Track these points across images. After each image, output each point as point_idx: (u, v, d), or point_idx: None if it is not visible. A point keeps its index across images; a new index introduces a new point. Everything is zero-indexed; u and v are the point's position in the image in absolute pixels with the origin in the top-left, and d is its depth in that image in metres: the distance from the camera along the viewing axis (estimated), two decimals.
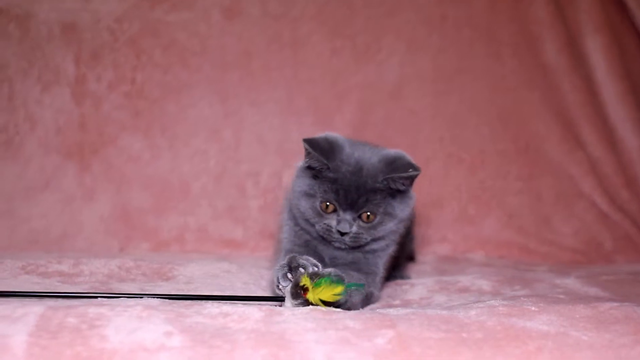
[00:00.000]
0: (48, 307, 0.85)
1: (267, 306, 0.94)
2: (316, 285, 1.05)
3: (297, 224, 1.35)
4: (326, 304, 1.03)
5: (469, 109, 2.12)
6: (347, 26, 2.10)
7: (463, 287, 1.32)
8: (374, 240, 1.29)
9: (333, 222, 1.26)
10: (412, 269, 1.75)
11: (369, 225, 1.26)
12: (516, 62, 2.13)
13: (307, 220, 1.30)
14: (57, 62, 1.96)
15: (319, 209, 1.26)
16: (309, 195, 1.27)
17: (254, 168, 2.01)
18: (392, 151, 1.30)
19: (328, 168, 1.24)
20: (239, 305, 0.94)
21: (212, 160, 2.00)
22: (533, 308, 0.95)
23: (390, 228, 1.28)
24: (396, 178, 1.23)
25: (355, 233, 1.25)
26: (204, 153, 2.00)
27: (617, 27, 2.17)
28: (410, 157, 1.29)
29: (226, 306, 0.92)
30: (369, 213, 1.25)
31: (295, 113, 2.04)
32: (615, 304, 0.97)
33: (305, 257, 1.17)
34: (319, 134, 1.32)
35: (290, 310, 0.94)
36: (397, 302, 1.26)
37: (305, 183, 1.28)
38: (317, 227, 1.28)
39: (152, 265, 1.41)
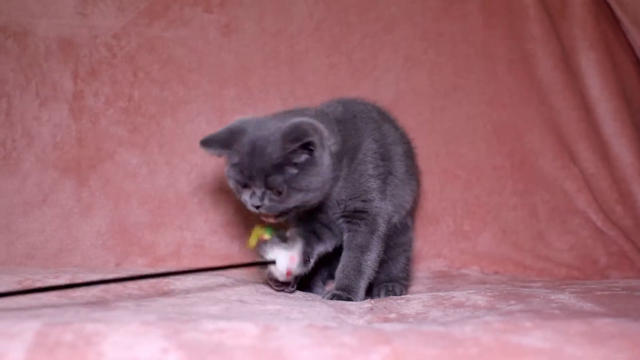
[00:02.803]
0: (45, 324, 0.85)
1: (263, 322, 0.94)
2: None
3: None
4: None
5: (464, 125, 2.13)
6: (344, 42, 2.12)
7: (458, 302, 1.32)
8: (288, 209, 1.41)
9: (247, 197, 1.38)
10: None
11: (279, 198, 1.36)
12: (511, 78, 2.15)
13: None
14: (54, 78, 1.97)
15: (235, 187, 1.41)
16: (227, 177, 1.41)
17: None
18: (291, 121, 1.36)
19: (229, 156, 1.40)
20: (236, 321, 0.94)
21: (208, 176, 2.00)
22: (528, 324, 0.95)
23: (302, 199, 1.38)
24: (289, 152, 1.34)
25: (268, 206, 1.37)
26: (200, 168, 2.00)
27: (611, 43, 2.19)
28: (310, 122, 1.36)
29: (222, 322, 0.92)
30: (274, 188, 1.35)
31: None
32: (610, 320, 0.97)
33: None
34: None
35: (286, 326, 0.94)
36: (393, 315, 1.26)
37: (225, 169, 1.43)
38: (241, 200, 1.42)
39: (149, 280, 1.41)
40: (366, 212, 1.49)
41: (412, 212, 1.73)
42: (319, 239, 1.55)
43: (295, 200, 1.37)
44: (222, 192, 2.01)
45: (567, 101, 2.13)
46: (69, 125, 1.97)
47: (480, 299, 1.33)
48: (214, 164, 2.01)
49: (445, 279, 1.90)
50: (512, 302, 1.30)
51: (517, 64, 2.15)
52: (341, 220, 1.51)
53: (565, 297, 1.34)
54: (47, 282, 1.37)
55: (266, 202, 1.36)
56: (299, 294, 1.47)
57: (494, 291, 1.40)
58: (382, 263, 1.59)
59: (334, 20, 2.12)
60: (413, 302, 1.36)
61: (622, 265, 2.04)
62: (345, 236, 1.52)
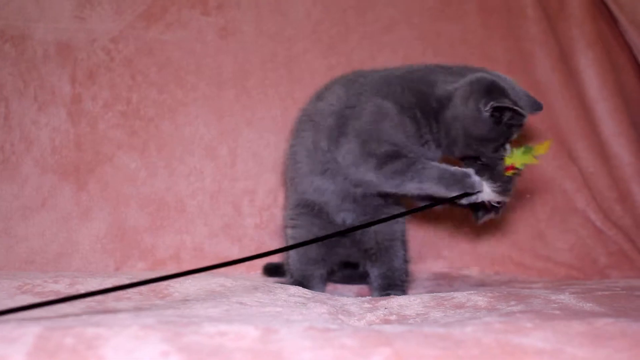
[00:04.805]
0: (45, 328, 0.85)
1: (263, 324, 0.94)
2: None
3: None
4: None
5: None
6: (342, 44, 2.12)
7: (459, 303, 1.32)
8: None
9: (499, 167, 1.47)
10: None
11: None
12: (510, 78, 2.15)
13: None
14: (52, 82, 1.97)
15: (498, 150, 1.47)
16: (490, 139, 1.46)
17: (250, 186, 2.02)
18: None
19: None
20: (236, 323, 0.94)
21: (207, 179, 2.00)
22: (529, 324, 0.96)
23: None
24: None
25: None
26: (199, 171, 2.00)
27: (609, 43, 2.19)
28: None
29: (222, 325, 0.92)
30: None
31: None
32: (610, 320, 0.98)
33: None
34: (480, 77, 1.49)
35: (287, 328, 0.94)
36: (393, 317, 1.27)
37: (484, 130, 1.45)
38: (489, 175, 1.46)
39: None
40: None
41: None
42: None
43: None
44: (220, 195, 2.01)
45: (566, 101, 2.13)
46: (68, 129, 1.97)
47: (480, 300, 1.33)
48: (213, 166, 2.02)
49: (446, 280, 1.91)
50: (513, 302, 1.30)
51: (515, 64, 2.15)
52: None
53: (566, 298, 1.34)
54: (47, 286, 1.36)
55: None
56: (299, 290, 1.47)
57: (494, 292, 1.40)
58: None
59: (331, 21, 2.12)
60: (414, 302, 1.36)
61: (621, 265, 2.03)
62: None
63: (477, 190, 1.42)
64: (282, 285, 1.51)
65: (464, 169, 1.44)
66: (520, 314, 1.09)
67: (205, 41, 2.06)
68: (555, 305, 1.26)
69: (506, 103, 1.39)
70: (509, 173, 1.41)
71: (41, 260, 1.87)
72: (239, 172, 2.03)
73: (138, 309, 1.18)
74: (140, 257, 1.93)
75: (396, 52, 2.13)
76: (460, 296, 1.37)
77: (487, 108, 1.40)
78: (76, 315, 1.09)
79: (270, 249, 1.95)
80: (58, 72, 1.98)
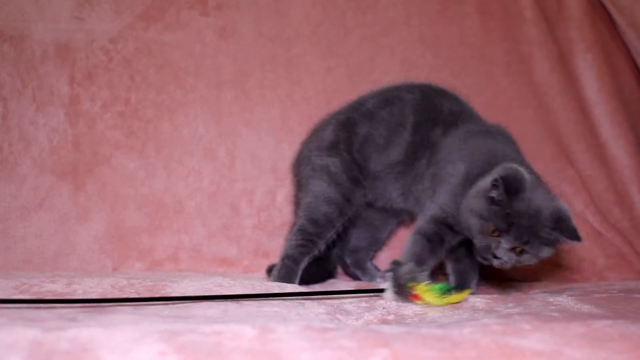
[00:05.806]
0: (39, 331, 0.85)
1: (260, 324, 0.93)
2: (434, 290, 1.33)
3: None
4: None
5: None
6: (341, 46, 2.11)
7: (457, 304, 1.32)
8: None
9: (493, 245, 1.42)
10: None
11: (516, 258, 1.43)
12: (508, 81, 2.15)
13: (468, 231, 1.49)
14: (51, 83, 1.96)
15: (486, 230, 1.43)
16: (482, 217, 1.43)
17: (248, 187, 2.01)
18: (562, 208, 1.45)
19: (510, 205, 1.39)
20: (233, 323, 0.93)
21: (206, 180, 2.00)
22: (527, 326, 0.95)
23: (528, 262, 1.45)
24: (560, 239, 1.43)
25: (505, 260, 1.42)
26: (198, 172, 2.00)
27: (608, 45, 2.19)
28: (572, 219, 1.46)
29: (219, 324, 0.92)
30: (523, 249, 1.42)
31: (290, 132, 2.05)
32: (608, 322, 0.97)
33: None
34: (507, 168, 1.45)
35: (283, 328, 0.93)
36: (391, 316, 1.26)
37: (481, 207, 1.43)
38: (475, 241, 1.46)
39: (146, 283, 1.41)
40: None
41: None
42: None
43: (525, 262, 1.45)
44: (219, 196, 2.01)
45: (564, 103, 2.12)
46: (66, 130, 1.96)
47: (478, 301, 1.33)
48: (211, 167, 2.01)
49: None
50: (511, 304, 1.30)
51: (514, 67, 2.15)
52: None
53: (564, 300, 1.34)
54: (44, 286, 1.36)
55: (506, 256, 1.42)
56: (296, 289, 1.47)
57: (493, 293, 1.40)
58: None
59: (330, 23, 2.12)
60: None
61: (620, 267, 2.03)
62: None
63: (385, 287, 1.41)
64: (280, 285, 1.51)
65: (411, 264, 1.44)
66: (519, 316, 1.09)
67: (204, 42, 2.06)
68: (554, 307, 1.26)
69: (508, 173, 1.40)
70: (412, 300, 1.35)
71: (38, 260, 1.87)
72: (237, 173, 2.02)
73: (135, 309, 1.17)
74: (138, 257, 1.93)
75: (395, 54, 2.13)
76: None
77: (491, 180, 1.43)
78: (72, 316, 1.08)
79: (268, 249, 1.97)
80: (57, 73, 1.97)
